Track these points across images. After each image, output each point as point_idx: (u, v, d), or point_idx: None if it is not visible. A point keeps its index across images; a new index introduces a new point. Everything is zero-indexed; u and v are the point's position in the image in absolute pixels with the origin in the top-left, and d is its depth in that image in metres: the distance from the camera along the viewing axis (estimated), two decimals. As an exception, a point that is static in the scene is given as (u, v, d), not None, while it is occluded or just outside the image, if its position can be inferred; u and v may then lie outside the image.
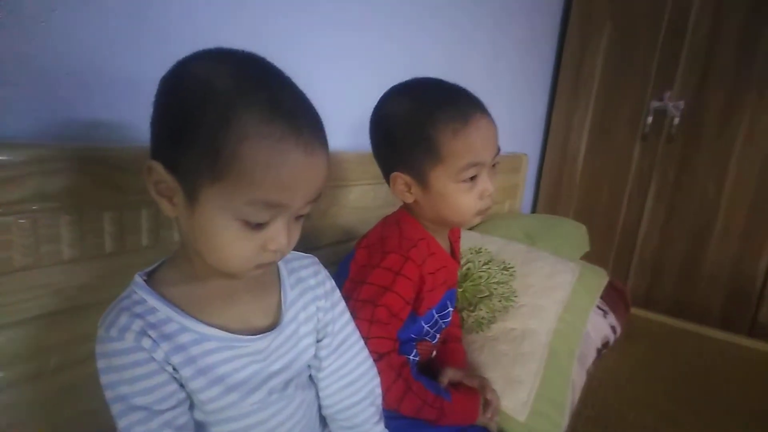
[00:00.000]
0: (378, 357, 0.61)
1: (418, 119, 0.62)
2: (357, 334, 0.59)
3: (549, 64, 1.94)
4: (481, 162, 0.63)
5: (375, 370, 0.59)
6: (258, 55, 0.43)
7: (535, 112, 1.92)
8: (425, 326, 0.72)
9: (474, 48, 1.42)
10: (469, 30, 1.38)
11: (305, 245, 0.62)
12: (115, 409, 0.41)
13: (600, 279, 0.99)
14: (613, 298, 1.20)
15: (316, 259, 0.58)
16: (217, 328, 0.45)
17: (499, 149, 0.66)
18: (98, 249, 0.57)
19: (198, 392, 0.44)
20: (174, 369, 0.43)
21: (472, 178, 0.63)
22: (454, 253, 0.77)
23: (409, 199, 0.68)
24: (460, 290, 0.92)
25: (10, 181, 0.48)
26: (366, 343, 0.60)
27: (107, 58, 0.61)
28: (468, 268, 0.96)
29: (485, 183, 0.64)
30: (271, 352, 0.49)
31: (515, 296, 0.89)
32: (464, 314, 0.89)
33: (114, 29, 0.61)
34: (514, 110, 1.73)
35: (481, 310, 0.88)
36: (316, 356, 0.55)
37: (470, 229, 1.15)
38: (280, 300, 0.51)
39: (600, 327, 1.07)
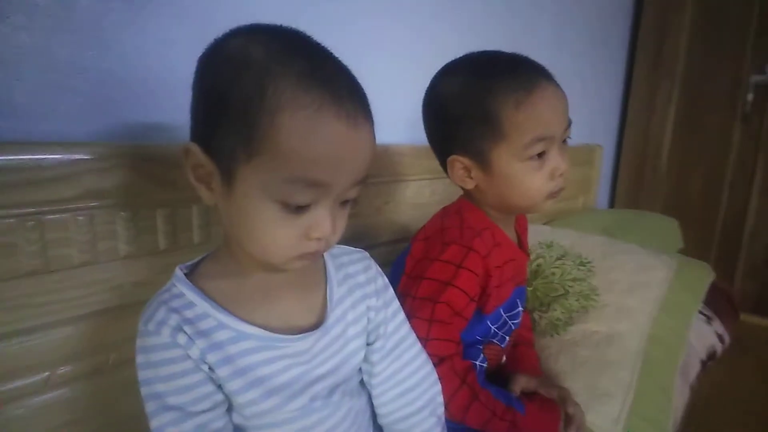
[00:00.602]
0: (439, 361, 0.55)
1: (475, 93, 0.56)
2: (413, 336, 0.53)
3: (622, 47, 1.77)
4: (550, 135, 0.55)
5: (435, 376, 0.53)
6: (294, 28, 0.40)
7: (607, 99, 1.75)
8: (492, 327, 0.64)
9: (536, 32, 1.32)
10: (532, 14, 1.29)
11: (360, 243, 0.58)
12: (149, 407, 0.39)
13: (703, 275, 0.84)
14: (719, 302, 1.02)
15: (367, 253, 0.54)
16: (255, 326, 0.42)
17: (570, 122, 0.57)
18: (153, 246, 0.58)
19: (236, 394, 0.41)
20: (210, 368, 0.40)
21: (540, 156, 0.56)
22: (522, 245, 0.69)
23: (470, 185, 0.61)
24: (530, 288, 0.82)
25: (67, 179, 0.50)
26: (425, 345, 0.54)
27: (160, 62, 0.62)
28: (538, 264, 0.86)
29: (556, 160, 0.56)
30: (316, 355, 0.45)
31: (596, 294, 0.78)
32: (536, 315, 0.79)
33: (165, 34, 0.62)
34: (584, 98, 1.59)
35: (556, 310, 0.78)
36: (367, 360, 0.51)
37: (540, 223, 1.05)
38: (326, 297, 0.47)
39: (704, 335, 0.91)
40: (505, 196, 0.59)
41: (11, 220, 0.47)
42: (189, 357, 0.39)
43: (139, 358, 0.40)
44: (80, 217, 0.51)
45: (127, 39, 0.58)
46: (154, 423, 0.39)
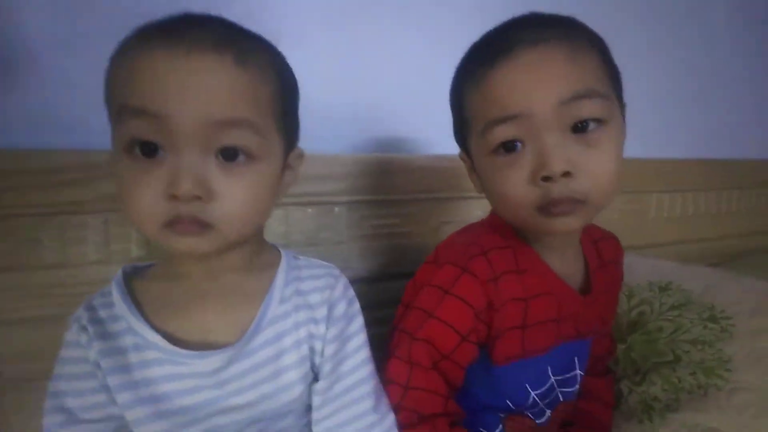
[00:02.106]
0: (418, 420, 0.41)
1: (454, 76, 0.46)
2: (370, 386, 0.42)
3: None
4: (513, 114, 0.39)
5: None
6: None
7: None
8: (530, 392, 0.46)
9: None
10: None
11: (411, 268, 0.50)
12: (47, 404, 0.38)
13: None
14: None
15: (338, 271, 0.45)
16: (163, 335, 0.37)
17: (586, 93, 0.38)
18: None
19: (123, 409, 0.37)
20: (103, 376, 0.37)
21: (512, 149, 0.40)
22: (592, 281, 0.48)
23: (478, 189, 0.48)
24: (623, 347, 0.57)
25: (84, 183, 0.55)
26: (403, 396, 0.42)
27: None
28: (641, 313, 0.60)
29: (540, 152, 0.38)
30: (229, 380, 0.38)
31: (727, 370, 0.49)
32: (624, 386, 0.55)
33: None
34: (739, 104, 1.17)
35: (655, 384, 0.52)
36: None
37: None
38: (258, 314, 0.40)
39: None
40: (493, 207, 0.46)
41: (36, 218, 0.54)
42: (87, 360, 0.37)
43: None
44: (96, 219, 0.56)
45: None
46: (45, 421, 0.37)
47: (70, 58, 0.57)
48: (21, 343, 0.54)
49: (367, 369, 0.42)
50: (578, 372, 0.50)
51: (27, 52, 0.55)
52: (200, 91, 0.33)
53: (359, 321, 0.43)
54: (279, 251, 0.44)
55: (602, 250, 0.51)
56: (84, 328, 0.37)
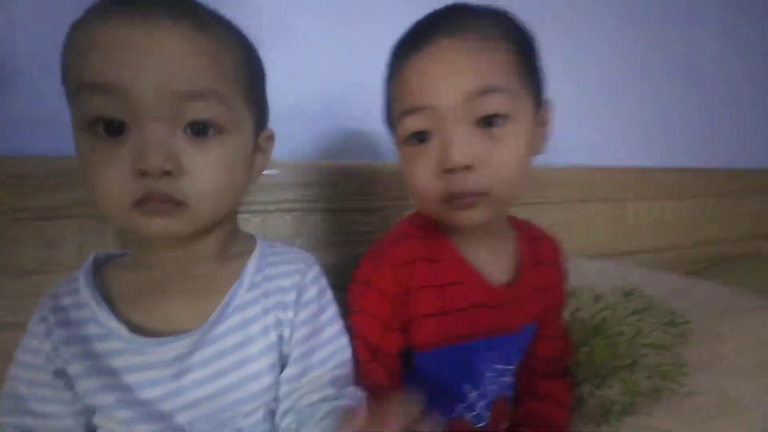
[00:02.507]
0: None
1: (386, 68, 0.47)
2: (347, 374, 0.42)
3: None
4: (421, 105, 0.40)
5: None
6: None
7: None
8: (447, 378, 0.47)
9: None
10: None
11: None
12: (3, 387, 0.37)
13: None
14: None
15: (313, 259, 0.45)
16: (126, 324, 0.36)
17: (492, 88, 0.39)
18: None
19: (89, 396, 0.36)
20: (62, 365, 0.36)
21: (422, 139, 0.41)
22: (520, 276, 0.49)
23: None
24: (586, 350, 0.58)
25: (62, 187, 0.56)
26: None
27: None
28: (604, 318, 0.60)
29: (444, 145, 0.39)
30: (192, 369, 0.37)
31: (683, 374, 0.49)
32: (585, 390, 0.55)
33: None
34: (717, 114, 1.19)
35: (613, 387, 0.52)
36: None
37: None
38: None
39: None
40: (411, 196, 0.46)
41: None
42: (41, 351, 0.37)
43: None
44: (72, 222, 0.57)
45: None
46: None
47: (36, 64, 0.57)
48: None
49: (344, 356, 0.42)
50: (507, 367, 0.50)
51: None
52: (159, 60, 0.32)
53: (332, 308, 0.43)
54: (256, 240, 0.44)
55: (539, 250, 0.52)
56: (44, 318, 0.37)
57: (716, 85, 1.15)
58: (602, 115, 0.99)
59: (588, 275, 0.71)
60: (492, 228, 0.47)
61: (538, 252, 0.52)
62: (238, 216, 0.46)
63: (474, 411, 0.48)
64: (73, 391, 0.37)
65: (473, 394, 0.47)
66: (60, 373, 0.37)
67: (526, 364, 0.53)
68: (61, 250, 0.56)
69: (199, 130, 0.34)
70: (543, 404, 0.51)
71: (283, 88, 0.55)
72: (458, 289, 0.45)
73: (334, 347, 0.42)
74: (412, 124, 0.40)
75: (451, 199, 0.40)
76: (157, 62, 0.32)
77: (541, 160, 0.82)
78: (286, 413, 0.40)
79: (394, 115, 0.44)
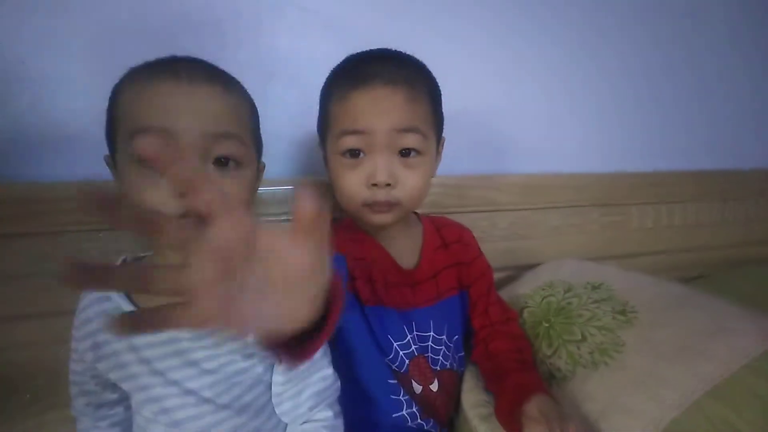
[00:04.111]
0: None
1: (324, 88, 0.59)
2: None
3: None
4: (361, 130, 0.52)
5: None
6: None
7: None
8: (386, 337, 0.59)
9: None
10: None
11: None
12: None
13: None
14: None
15: None
16: (138, 307, 0.47)
17: (413, 129, 0.53)
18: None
19: (122, 368, 0.47)
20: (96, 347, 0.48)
21: (356, 155, 0.54)
22: (421, 263, 0.63)
23: (329, 178, 0.61)
24: (546, 326, 0.67)
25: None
26: None
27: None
28: (569, 303, 0.69)
29: (371, 165, 0.53)
30: (197, 348, 0.47)
31: (618, 352, 0.58)
32: (538, 357, 0.64)
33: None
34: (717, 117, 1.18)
35: (561, 358, 0.61)
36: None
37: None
38: None
39: None
40: (336, 195, 0.59)
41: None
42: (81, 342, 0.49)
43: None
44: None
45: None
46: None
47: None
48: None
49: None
50: (434, 335, 0.62)
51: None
52: (200, 112, 0.42)
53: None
54: None
55: (443, 235, 0.66)
56: (84, 308, 0.49)
57: (717, 88, 1.15)
58: (608, 120, 1.04)
59: (570, 272, 0.80)
60: (398, 223, 0.60)
61: (443, 237, 0.66)
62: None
63: (396, 363, 0.60)
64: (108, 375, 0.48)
65: (396, 346, 0.60)
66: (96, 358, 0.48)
67: (486, 332, 0.66)
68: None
69: (223, 163, 0.44)
70: (497, 358, 0.62)
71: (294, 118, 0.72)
72: (378, 265, 0.59)
73: None
74: (351, 142, 0.53)
75: (373, 205, 0.55)
76: (199, 115, 0.42)
77: (550, 168, 0.92)
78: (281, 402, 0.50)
79: (333, 130, 0.55)
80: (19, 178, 0.66)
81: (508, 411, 0.54)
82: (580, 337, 0.62)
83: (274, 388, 0.49)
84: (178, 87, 0.42)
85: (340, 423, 0.51)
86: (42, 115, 0.67)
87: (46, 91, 0.66)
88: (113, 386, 0.52)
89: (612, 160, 1.05)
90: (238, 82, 0.49)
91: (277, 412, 0.50)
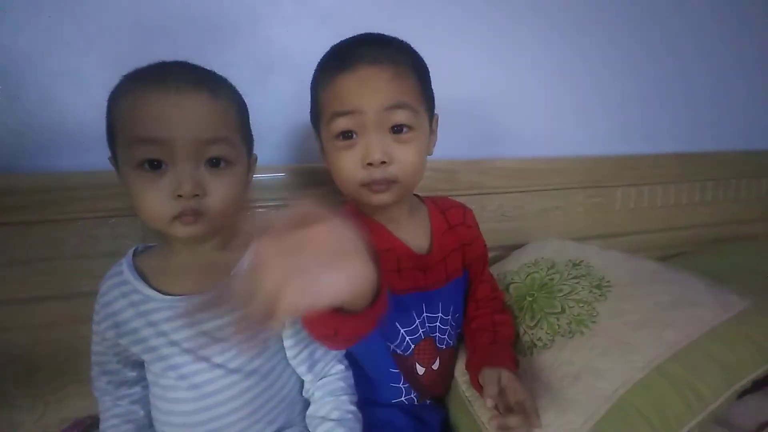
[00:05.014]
0: None
1: (313, 78, 0.60)
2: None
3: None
4: (351, 110, 0.53)
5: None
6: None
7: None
8: (393, 324, 0.62)
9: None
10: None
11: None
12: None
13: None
14: None
15: None
16: (157, 291, 0.52)
17: (401, 105, 0.54)
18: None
19: (143, 342, 0.53)
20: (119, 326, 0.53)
21: (349, 137, 0.55)
22: (434, 246, 0.64)
23: (326, 165, 0.62)
24: (530, 299, 0.72)
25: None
26: None
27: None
28: (551, 278, 0.74)
29: (366, 145, 0.54)
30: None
31: (593, 322, 0.63)
32: (521, 330, 0.70)
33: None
34: (699, 100, 1.22)
35: (542, 329, 0.67)
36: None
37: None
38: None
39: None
40: (333, 178, 0.60)
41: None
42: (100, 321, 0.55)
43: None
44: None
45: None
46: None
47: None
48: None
49: None
50: (442, 315, 0.65)
51: None
52: (189, 120, 0.47)
53: None
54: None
55: (450, 217, 0.67)
56: (104, 293, 0.54)
57: (700, 69, 1.18)
58: (591, 105, 1.08)
59: (554, 251, 0.85)
60: (404, 208, 0.63)
61: (449, 219, 0.67)
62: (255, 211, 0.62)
63: (401, 347, 0.63)
64: (128, 351, 0.54)
65: (402, 332, 0.63)
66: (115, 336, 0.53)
67: (472, 308, 0.70)
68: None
69: (214, 163, 0.49)
70: (485, 332, 0.67)
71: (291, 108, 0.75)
72: (388, 255, 0.60)
73: None
74: (342, 124, 0.55)
75: (371, 184, 0.56)
76: (189, 122, 0.47)
77: (544, 152, 0.95)
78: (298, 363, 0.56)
79: (324, 115, 0.57)
80: (33, 169, 0.70)
81: (475, 368, 0.60)
82: (559, 310, 0.68)
83: (288, 352, 0.56)
84: (166, 98, 0.46)
85: (350, 374, 0.59)
86: (52, 109, 0.70)
87: (55, 87, 0.70)
88: (133, 364, 0.57)
89: (596, 143, 1.09)
90: (224, 83, 0.53)
91: (297, 372, 0.57)
